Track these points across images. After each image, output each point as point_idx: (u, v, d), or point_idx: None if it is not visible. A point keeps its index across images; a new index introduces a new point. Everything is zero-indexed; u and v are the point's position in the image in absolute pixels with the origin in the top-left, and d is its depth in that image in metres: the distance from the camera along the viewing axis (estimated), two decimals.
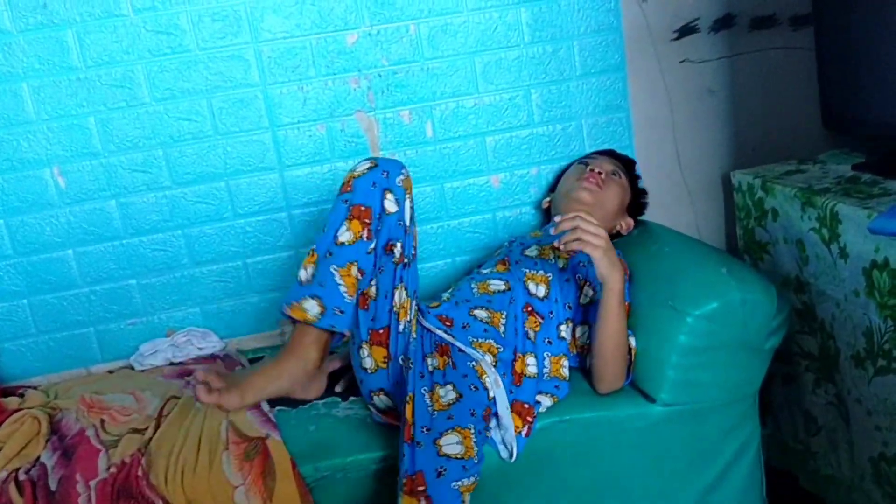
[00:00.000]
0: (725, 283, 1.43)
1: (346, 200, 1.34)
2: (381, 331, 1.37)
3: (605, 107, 1.90)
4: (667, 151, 1.96)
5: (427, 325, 1.43)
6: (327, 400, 1.52)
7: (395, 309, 1.36)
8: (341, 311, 1.32)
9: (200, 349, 1.79)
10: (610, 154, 1.82)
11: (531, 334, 1.49)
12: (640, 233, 1.75)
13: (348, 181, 1.36)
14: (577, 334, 1.55)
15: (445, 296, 1.61)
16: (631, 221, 1.76)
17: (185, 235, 1.81)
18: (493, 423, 1.34)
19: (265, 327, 1.89)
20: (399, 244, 1.37)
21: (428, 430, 1.25)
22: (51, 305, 1.80)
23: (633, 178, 1.80)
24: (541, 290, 1.54)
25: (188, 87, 1.74)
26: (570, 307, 1.55)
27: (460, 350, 1.37)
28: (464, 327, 1.46)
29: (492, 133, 1.87)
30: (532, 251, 1.66)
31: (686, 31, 1.89)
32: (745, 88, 1.95)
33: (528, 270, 1.58)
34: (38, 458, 1.43)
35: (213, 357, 1.78)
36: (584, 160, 1.77)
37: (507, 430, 1.35)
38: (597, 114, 1.90)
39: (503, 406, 1.34)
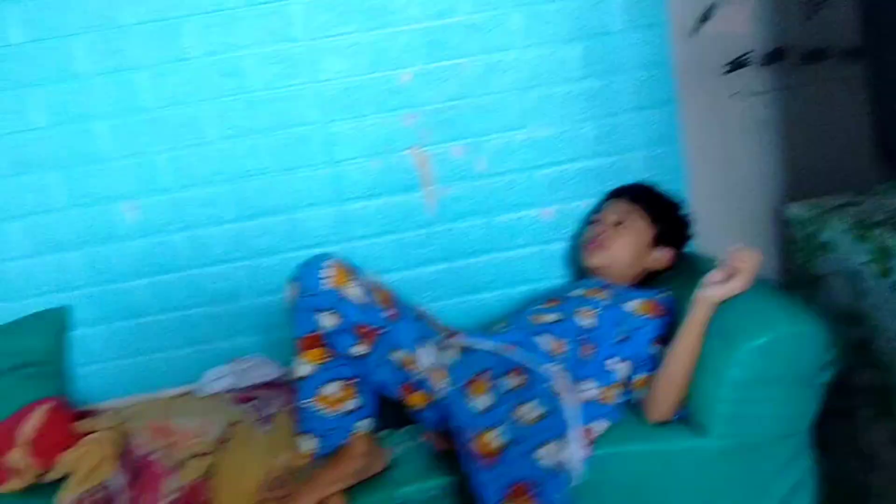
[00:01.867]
0: (776, 316, 1.42)
1: (293, 336, 1.42)
2: (406, 385, 1.41)
3: (657, 140, 1.91)
4: (718, 184, 1.96)
5: (492, 346, 1.46)
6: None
7: (402, 368, 1.40)
8: (333, 428, 1.41)
9: (261, 376, 1.84)
10: (628, 192, 1.80)
11: (588, 361, 1.51)
12: (690, 265, 1.75)
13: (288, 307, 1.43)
14: (624, 370, 1.56)
15: (499, 326, 1.64)
16: (668, 254, 1.75)
17: (248, 267, 1.88)
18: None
19: None
20: (365, 326, 1.39)
21: (519, 443, 1.27)
22: (123, 332, 1.89)
23: (659, 209, 1.77)
24: (591, 322, 1.56)
25: (252, 126, 1.82)
26: (616, 343, 1.57)
27: (530, 369, 1.40)
28: (529, 350, 1.48)
29: (542, 167, 1.90)
30: (578, 291, 1.67)
31: (737, 64, 1.90)
32: (798, 121, 1.94)
33: (577, 307, 1.60)
34: (109, 479, 1.48)
35: (273, 384, 1.84)
36: (593, 215, 1.82)
37: (574, 451, 1.35)
38: (648, 147, 1.91)
39: (575, 425, 1.36)
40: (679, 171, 1.93)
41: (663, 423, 1.47)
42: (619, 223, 1.73)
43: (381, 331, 1.39)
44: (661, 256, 1.74)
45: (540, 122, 1.88)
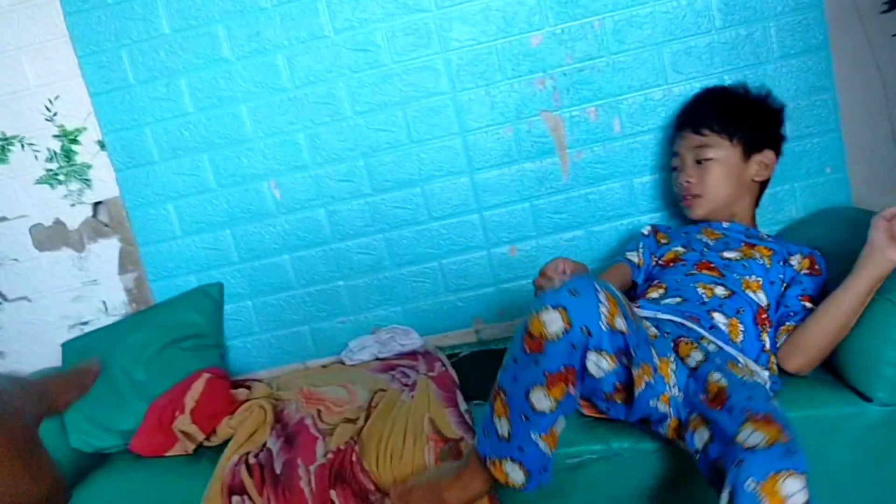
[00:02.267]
0: None
1: (538, 362, 1.09)
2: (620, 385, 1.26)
3: (808, 89, 1.78)
4: (880, 132, 1.81)
5: (676, 319, 1.38)
6: None
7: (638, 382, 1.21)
8: (545, 469, 1.17)
9: (403, 345, 1.88)
10: (687, 121, 1.66)
11: (762, 340, 1.42)
12: (852, 220, 1.63)
13: (537, 336, 1.09)
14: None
15: (662, 293, 1.51)
16: (769, 155, 1.61)
17: (386, 239, 1.92)
18: None
19: (459, 325, 1.96)
20: (628, 353, 1.15)
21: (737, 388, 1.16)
22: (271, 306, 1.98)
23: (728, 120, 1.59)
24: (762, 298, 1.46)
25: (384, 100, 1.85)
26: (775, 306, 1.48)
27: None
28: (711, 329, 1.39)
29: None
30: (733, 254, 1.54)
31: None
32: None
33: (741, 276, 1.49)
34: (265, 443, 1.56)
35: (414, 353, 1.87)
36: (673, 158, 1.71)
37: None
38: (798, 97, 1.79)
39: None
40: (836, 121, 1.79)
41: (796, 376, 1.39)
42: (698, 161, 1.62)
43: (630, 353, 1.17)
44: (763, 162, 1.61)
45: (678, 78, 1.80)
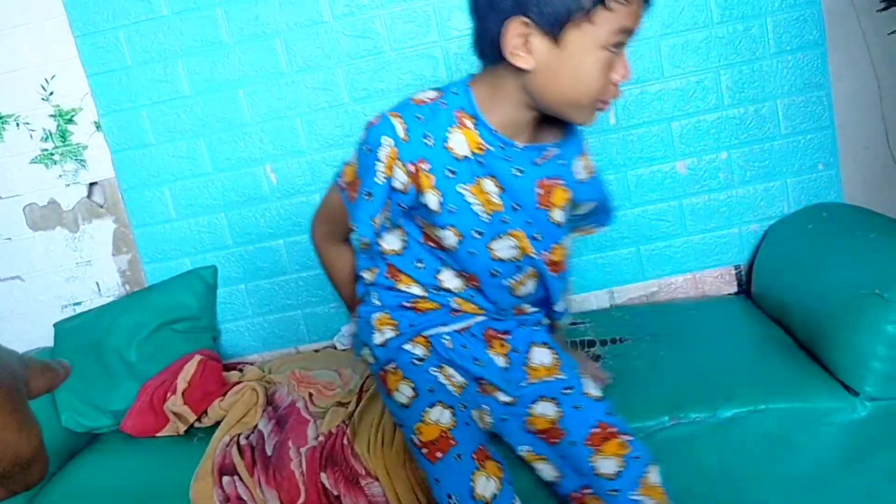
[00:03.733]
0: None
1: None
2: None
3: (803, 86, 1.80)
4: (874, 130, 1.83)
5: None
6: None
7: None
8: None
9: None
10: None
11: None
12: (843, 216, 1.65)
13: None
14: None
15: None
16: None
17: None
18: None
19: None
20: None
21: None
22: (265, 290, 1.98)
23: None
24: None
25: (382, 87, 1.85)
26: None
27: None
28: None
29: (678, 118, 1.83)
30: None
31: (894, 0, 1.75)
32: None
33: None
34: (256, 425, 1.57)
35: None
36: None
37: None
38: (793, 93, 1.80)
39: None
40: (830, 118, 1.81)
41: None
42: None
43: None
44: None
45: (674, 72, 1.81)
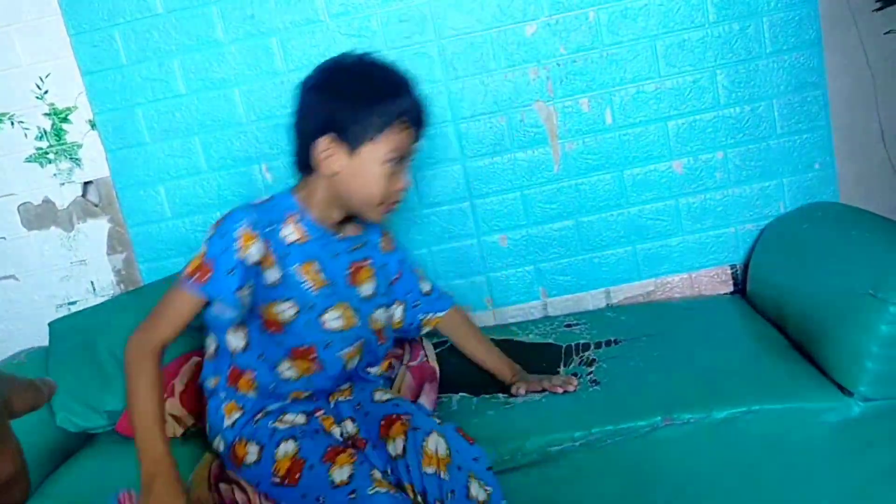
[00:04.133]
0: None
1: None
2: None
3: (799, 85, 1.80)
4: (870, 130, 1.83)
5: None
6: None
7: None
8: None
9: None
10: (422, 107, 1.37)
11: None
12: (839, 216, 1.65)
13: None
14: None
15: None
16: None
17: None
18: None
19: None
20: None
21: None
22: None
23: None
24: None
25: None
26: None
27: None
28: None
29: (674, 117, 1.83)
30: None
31: (890, 0, 1.75)
32: None
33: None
34: None
35: (402, 341, 1.86)
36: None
37: None
38: (789, 93, 1.80)
39: None
40: (826, 118, 1.81)
41: None
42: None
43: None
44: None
45: (671, 71, 1.81)
